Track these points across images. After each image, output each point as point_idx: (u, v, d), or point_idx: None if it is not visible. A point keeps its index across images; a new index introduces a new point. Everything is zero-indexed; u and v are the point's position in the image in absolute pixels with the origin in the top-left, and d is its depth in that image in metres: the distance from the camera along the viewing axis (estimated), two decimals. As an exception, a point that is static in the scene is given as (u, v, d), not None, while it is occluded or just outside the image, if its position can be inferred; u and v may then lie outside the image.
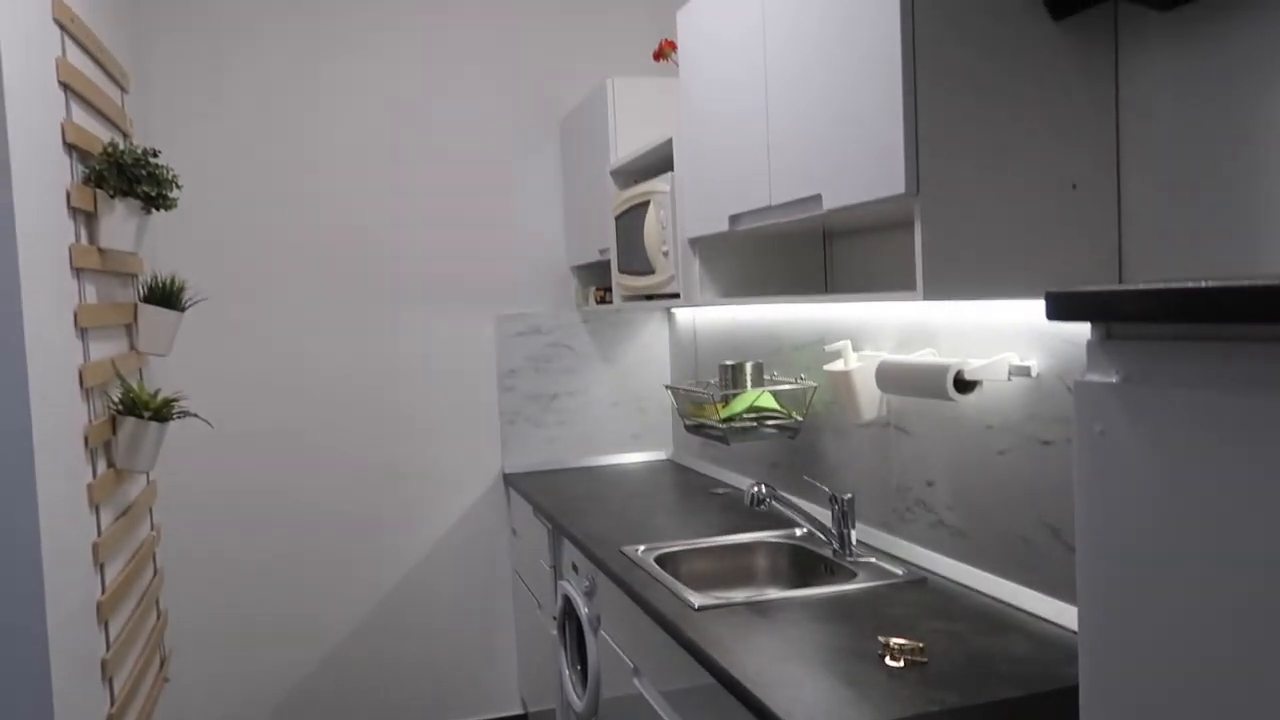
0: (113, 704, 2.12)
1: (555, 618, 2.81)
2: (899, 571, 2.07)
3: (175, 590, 3.16)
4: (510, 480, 3.48)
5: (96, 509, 2.11)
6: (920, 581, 2.01)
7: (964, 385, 1.83)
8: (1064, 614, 1.71)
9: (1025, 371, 1.76)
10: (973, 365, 1.81)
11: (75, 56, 2.15)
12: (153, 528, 2.75)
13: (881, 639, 1.65)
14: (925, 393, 1.88)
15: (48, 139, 1.92)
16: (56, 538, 1.82)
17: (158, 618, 2.72)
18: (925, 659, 1.58)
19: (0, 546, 1.71)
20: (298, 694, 3.39)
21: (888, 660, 1.58)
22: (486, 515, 3.56)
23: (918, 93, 1.54)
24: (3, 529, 1.71)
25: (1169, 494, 0.82)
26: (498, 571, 3.58)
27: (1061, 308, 0.84)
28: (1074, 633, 1.42)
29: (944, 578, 2.02)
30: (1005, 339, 1.82)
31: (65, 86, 2.05)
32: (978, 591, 1.92)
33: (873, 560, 2.16)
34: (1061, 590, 1.73)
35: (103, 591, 2.11)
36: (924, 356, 1.99)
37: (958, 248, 1.55)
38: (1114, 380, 0.86)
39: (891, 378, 1.98)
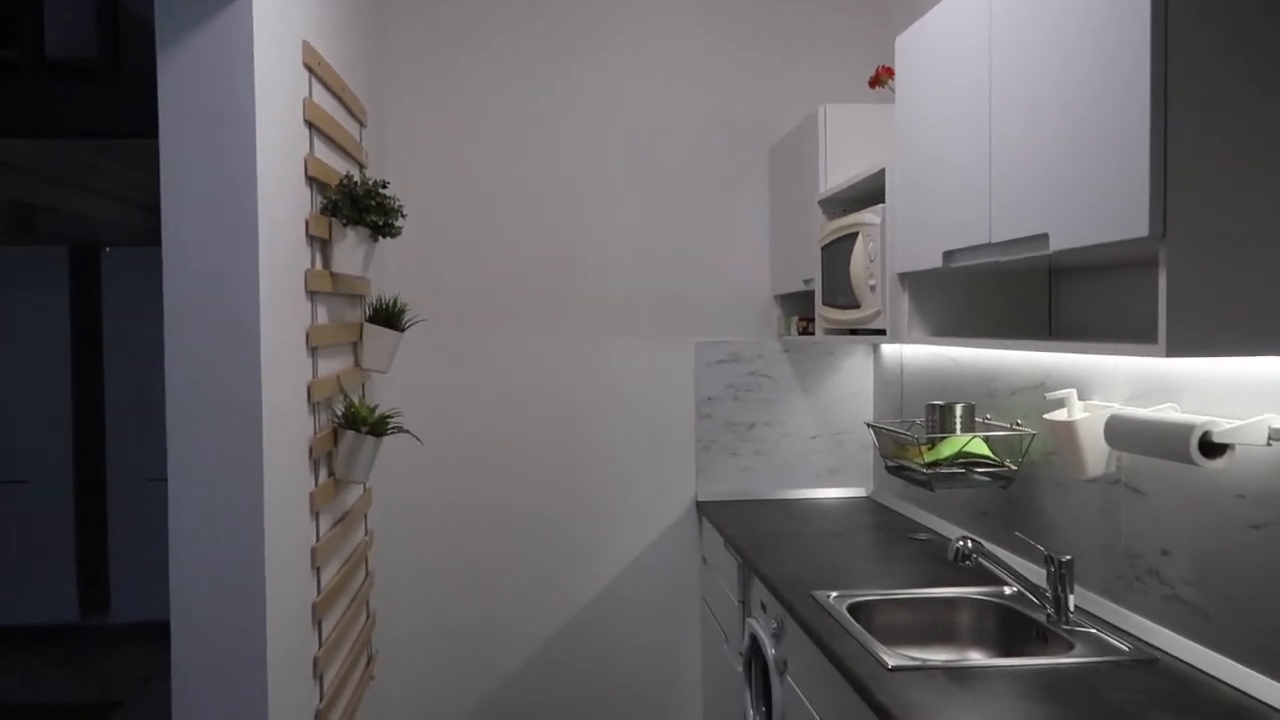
0: (322, 699, 2.26)
1: (741, 654, 2.75)
2: (1124, 647, 1.86)
3: (384, 593, 3.35)
4: (703, 508, 3.45)
5: (316, 515, 2.25)
6: (1149, 662, 1.80)
7: (1211, 448, 1.62)
8: (1330, 722, 1.47)
9: (1289, 437, 1.54)
10: (1223, 426, 1.60)
11: (320, 96, 2.33)
12: (366, 533, 2.91)
13: (1102, 728, 1.49)
14: (1163, 454, 1.68)
15: (292, 173, 2.08)
16: (279, 541, 1.96)
17: (367, 619, 2.88)
18: (1154, 757, 1.41)
19: (229, 547, 1.86)
20: (489, 701, 3.50)
21: (1109, 754, 1.42)
22: (678, 541, 3.55)
23: (1168, 117, 1.37)
24: (233, 531, 1.85)
25: None
26: (686, 599, 3.56)
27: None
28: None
29: (1178, 659, 1.80)
30: (1265, 397, 1.60)
31: (310, 124, 2.22)
32: (1220, 680, 1.69)
33: (1093, 631, 1.96)
34: (1328, 693, 1.49)
35: (318, 592, 2.25)
36: (1163, 412, 1.79)
37: (1210, 298, 1.37)
38: None
39: (1123, 434, 1.79)
